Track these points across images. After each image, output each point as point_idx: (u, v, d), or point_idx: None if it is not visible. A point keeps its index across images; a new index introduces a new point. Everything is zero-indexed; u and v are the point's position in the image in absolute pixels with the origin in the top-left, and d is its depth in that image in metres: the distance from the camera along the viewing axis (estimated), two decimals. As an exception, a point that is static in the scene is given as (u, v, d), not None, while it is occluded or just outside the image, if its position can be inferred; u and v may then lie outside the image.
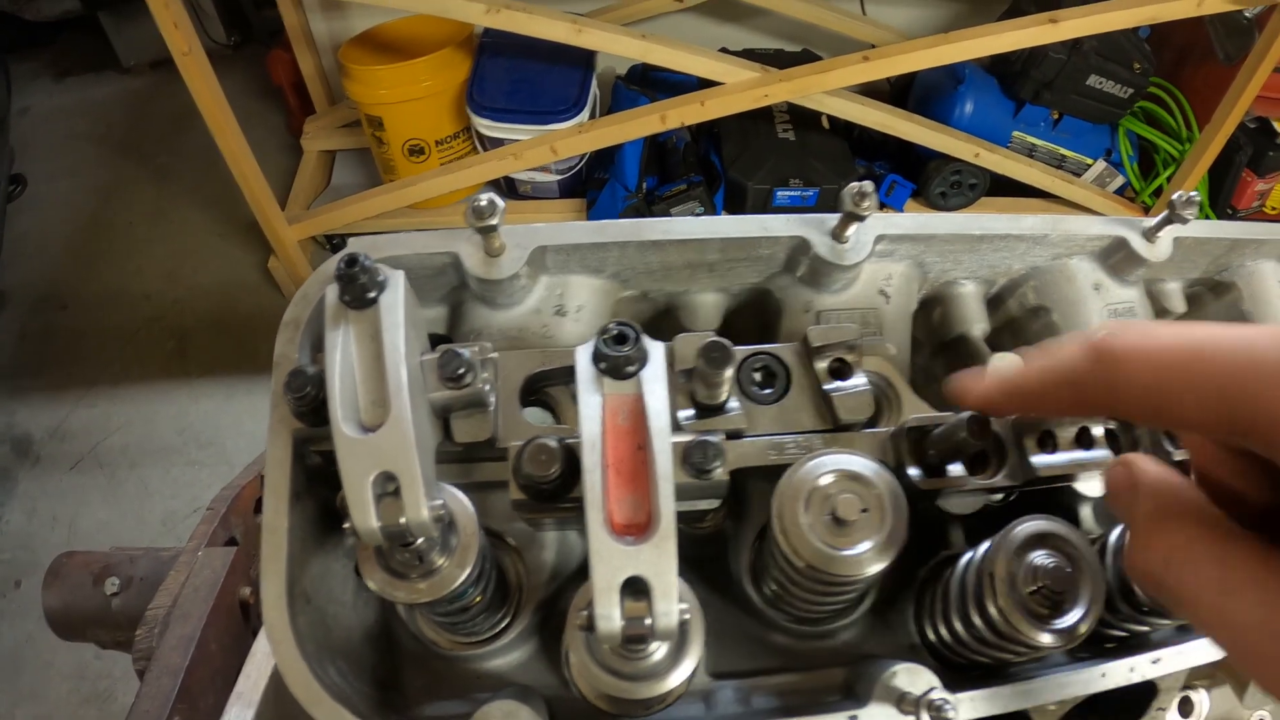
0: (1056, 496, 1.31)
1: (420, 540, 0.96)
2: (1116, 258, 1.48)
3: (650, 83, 5.22)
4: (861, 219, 1.24)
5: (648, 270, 1.34)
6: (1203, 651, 1.22)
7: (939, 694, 1.04)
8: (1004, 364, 0.96)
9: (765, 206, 5.03)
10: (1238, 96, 4.79)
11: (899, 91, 5.68)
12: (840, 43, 5.49)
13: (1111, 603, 1.18)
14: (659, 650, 0.95)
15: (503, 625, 1.20)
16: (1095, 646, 1.28)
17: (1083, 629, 1.05)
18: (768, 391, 1.18)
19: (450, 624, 1.16)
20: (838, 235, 1.28)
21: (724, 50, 5.17)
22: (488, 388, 1.11)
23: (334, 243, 5.70)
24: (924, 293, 1.50)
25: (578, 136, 4.73)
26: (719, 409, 1.12)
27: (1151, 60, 5.18)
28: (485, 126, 4.93)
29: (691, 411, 1.13)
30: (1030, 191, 5.37)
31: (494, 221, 1.16)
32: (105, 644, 2.17)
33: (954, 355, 1.52)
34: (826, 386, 1.17)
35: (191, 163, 6.32)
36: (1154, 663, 1.20)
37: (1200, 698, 1.49)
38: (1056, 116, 5.33)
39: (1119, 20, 4.47)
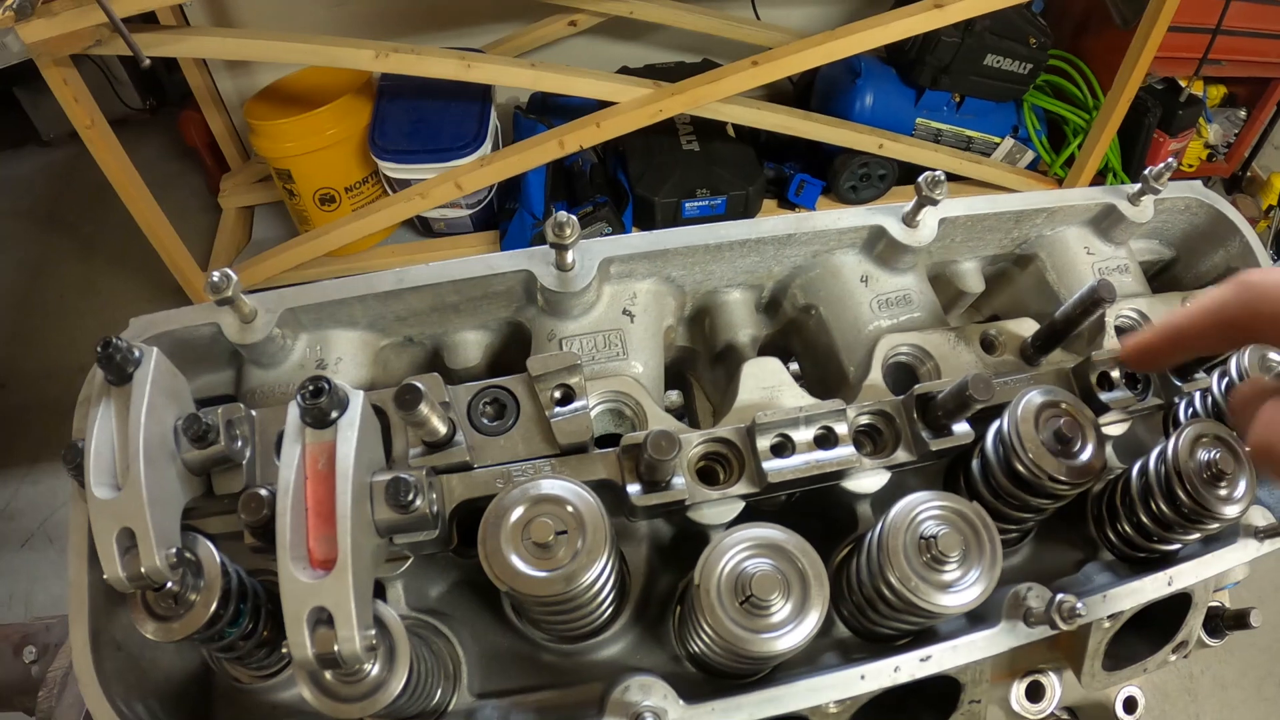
0: (833, 495, 1.34)
1: (169, 584, 1.07)
2: (880, 247, 1.52)
3: (552, 110, 5.26)
4: (567, 247, 1.28)
5: (398, 318, 1.40)
6: (981, 645, 1.25)
7: (650, 704, 1.08)
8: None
9: (674, 219, 5.08)
10: (1136, 59, 4.85)
11: (802, 91, 5.73)
12: (738, 49, 5.51)
13: (873, 604, 1.21)
14: (373, 669, 1.02)
15: (288, 658, 1.29)
16: (881, 645, 1.33)
17: (802, 634, 1.09)
18: (496, 423, 1.23)
19: (236, 658, 1.24)
20: (560, 264, 1.32)
21: (625, 68, 5.24)
22: (239, 444, 1.19)
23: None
24: (690, 305, 1.54)
25: (480, 170, 4.78)
26: (446, 444, 1.16)
27: (1048, 34, 5.24)
28: (390, 169, 4.98)
29: (420, 448, 1.17)
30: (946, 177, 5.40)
31: (229, 294, 1.24)
32: (31, 711, 2.20)
33: (727, 363, 1.55)
34: (548, 413, 1.21)
35: (117, 231, 6.29)
36: (923, 660, 1.23)
37: (1050, 681, 1.51)
38: (958, 99, 5.39)
39: (1003, -2, 4.52)
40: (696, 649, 1.22)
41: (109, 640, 1.20)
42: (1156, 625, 1.49)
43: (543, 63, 4.57)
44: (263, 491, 1.10)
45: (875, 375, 1.42)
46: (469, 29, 5.51)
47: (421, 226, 5.45)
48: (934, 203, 1.46)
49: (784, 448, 1.25)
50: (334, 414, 1.05)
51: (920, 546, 1.15)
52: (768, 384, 1.38)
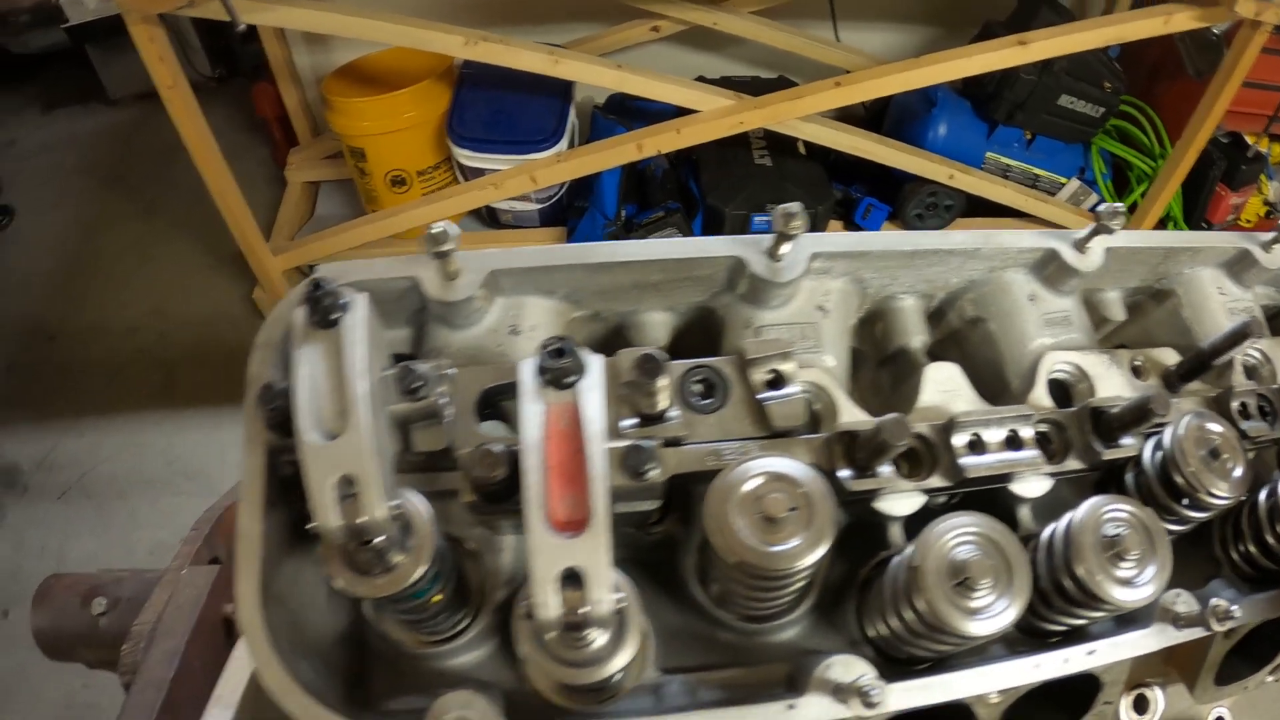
0: (995, 498, 1.37)
1: (379, 539, 1.03)
2: (1050, 269, 1.56)
3: (628, 112, 5.29)
4: (791, 238, 1.30)
5: (597, 291, 1.42)
6: (1138, 643, 1.29)
7: (868, 680, 1.10)
8: None
9: (742, 232, 5.09)
10: (1208, 111, 4.86)
11: (874, 115, 5.75)
12: (815, 69, 5.57)
13: (1046, 597, 1.24)
14: (600, 638, 1.01)
15: (463, 625, 1.27)
16: (1037, 641, 1.35)
17: (1007, 619, 1.11)
18: (707, 402, 1.25)
19: (413, 622, 1.23)
20: (772, 254, 1.35)
21: (701, 78, 5.26)
22: (444, 401, 1.19)
23: (319, 273, 5.74)
24: (865, 308, 1.56)
25: (556, 165, 4.81)
26: (659, 418, 1.18)
27: (1122, 79, 5.26)
28: (465, 157, 5.01)
29: (635, 420, 1.19)
30: (1006, 211, 5.44)
31: (448, 247, 1.24)
32: (93, 664, 2.19)
33: (896, 367, 1.58)
34: (761, 396, 1.23)
35: (178, 195, 6.36)
36: (1089, 654, 1.27)
37: (1155, 695, 1.56)
38: (1030, 137, 5.41)
39: (1087, 40, 4.57)
40: (883, 632, 1.25)
41: (275, 594, 1.16)
42: (1249, 648, 1.53)
43: (628, 65, 4.60)
44: (496, 448, 1.09)
45: (1040, 389, 1.46)
46: (551, 25, 5.55)
47: (488, 217, 5.49)
48: (1110, 232, 1.50)
49: (976, 446, 1.29)
50: (571, 377, 1.06)
51: (1104, 544, 1.19)
52: (946, 388, 1.41)
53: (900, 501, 1.28)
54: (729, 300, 1.45)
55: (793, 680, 1.21)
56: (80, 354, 5.67)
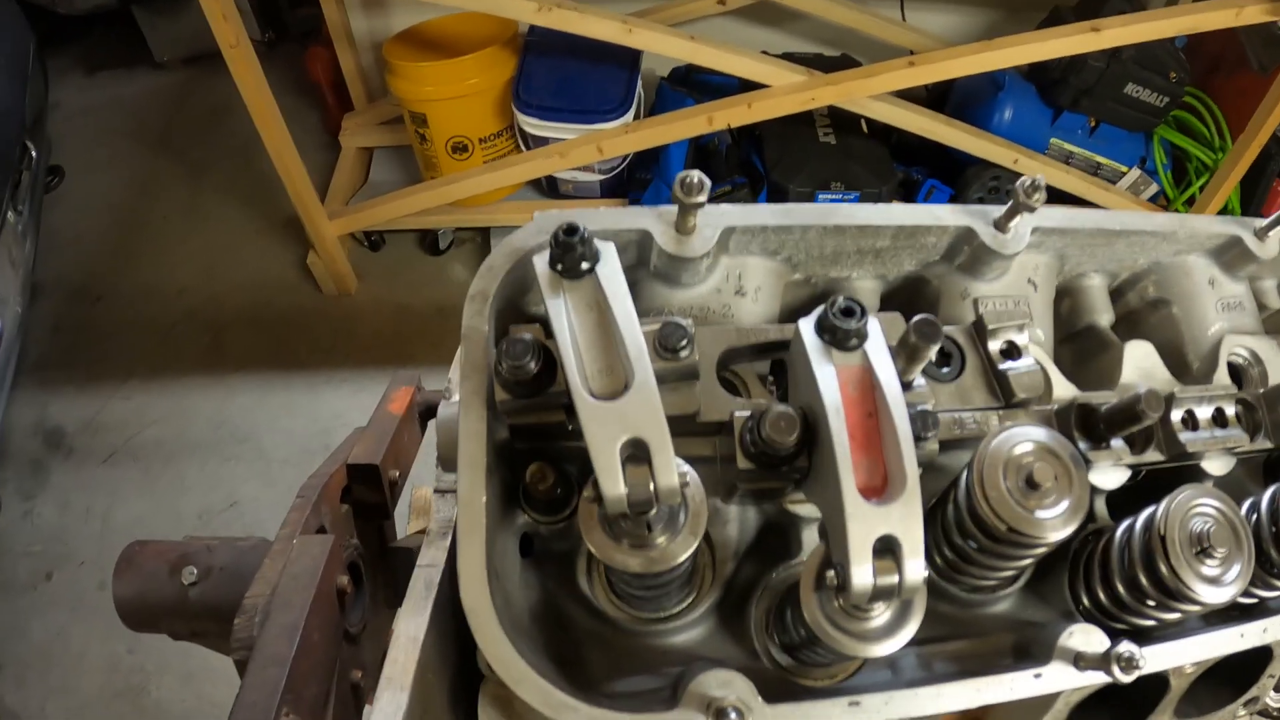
0: (1182, 475, 1.37)
1: (655, 510, 0.97)
2: (1230, 255, 1.58)
3: (693, 85, 5.26)
4: (1031, 210, 1.29)
5: (820, 255, 1.40)
6: None
7: (1127, 646, 1.09)
8: None
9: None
10: (1272, 106, 4.82)
11: (936, 97, 5.71)
12: (878, 48, 5.54)
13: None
14: (885, 613, 0.99)
15: (689, 600, 1.22)
16: (1221, 615, 1.36)
17: (1237, 588, 1.13)
18: (945, 370, 1.23)
19: (645, 598, 1.18)
20: (1001, 226, 1.35)
21: (764, 54, 5.22)
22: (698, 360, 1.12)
23: (372, 239, 5.74)
24: (1058, 286, 1.56)
25: (624, 136, 4.78)
26: (907, 386, 1.15)
27: (1187, 69, 5.22)
28: (531, 125, 4.97)
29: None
30: (1066, 198, 5.40)
31: (701, 199, 1.17)
32: (179, 635, 2.14)
33: (1081, 343, 1.59)
34: (1002, 366, 1.21)
35: (226, 159, 6.35)
36: None
37: None
38: (1093, 124, 5.37)
39: (1159, 29, 4.54)
40: (1102, 601, 1.26)
41: (493, 569, 1.07)
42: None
43: (701, 36, 4.57)
44: (790, 410, 1.03)
45: (1222, 371, 1.49)
46: (615, -5, 5.48)
47: (548, 186, 5.46)
48: None
49: (1189, 422, 1.29)
50: (857, 339, 1.01)
51: None
52: (1143, 365, 1.42)
53: (1110, 475, 1.28)
54: (944, 270, 1.44)
55: (1021, 650, 1.22)
56: (128, 315, 5.66)
